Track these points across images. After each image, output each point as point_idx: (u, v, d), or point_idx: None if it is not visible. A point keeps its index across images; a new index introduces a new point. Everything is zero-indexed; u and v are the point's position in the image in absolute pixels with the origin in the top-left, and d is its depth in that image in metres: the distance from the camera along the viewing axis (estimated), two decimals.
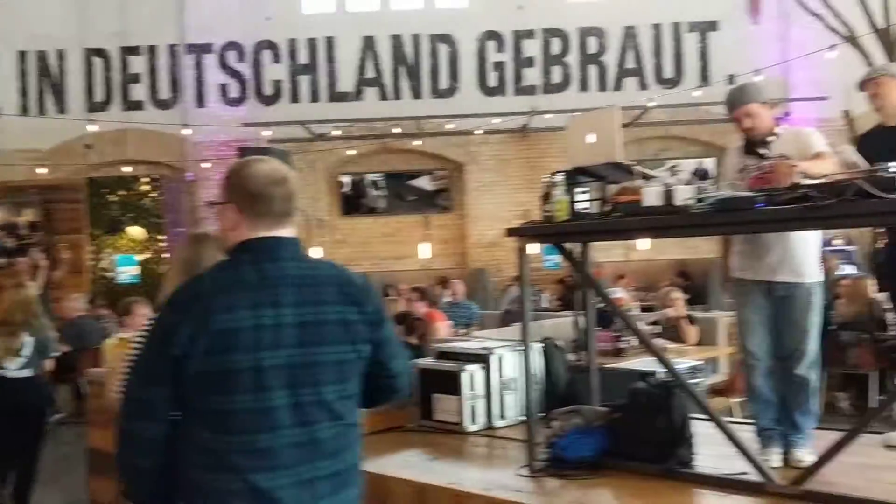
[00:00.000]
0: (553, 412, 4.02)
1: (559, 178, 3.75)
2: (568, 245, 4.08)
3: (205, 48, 14.59)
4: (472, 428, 4.52)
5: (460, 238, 14.74)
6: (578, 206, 3.74)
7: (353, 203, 14.89)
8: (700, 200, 3.25)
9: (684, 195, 3.30)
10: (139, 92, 14.42)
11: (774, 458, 3.70)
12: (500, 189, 14.46)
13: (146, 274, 12.69)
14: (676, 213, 3.32)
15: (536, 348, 4.64)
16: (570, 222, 3.72)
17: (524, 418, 4.60)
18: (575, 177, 3.77)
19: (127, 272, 12.64)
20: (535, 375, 4.67)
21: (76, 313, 8.74)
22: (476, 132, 13.81)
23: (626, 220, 3.55)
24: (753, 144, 3.84)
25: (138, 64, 14.47)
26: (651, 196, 3.41)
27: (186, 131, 13.38)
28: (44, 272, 10.14)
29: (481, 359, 4.63)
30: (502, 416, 4.63)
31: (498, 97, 14.27)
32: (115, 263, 12.70)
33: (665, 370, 3.82)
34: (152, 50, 14.50)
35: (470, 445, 4.38)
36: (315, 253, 13.93)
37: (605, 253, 14.05)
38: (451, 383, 4.57)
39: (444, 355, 4.88)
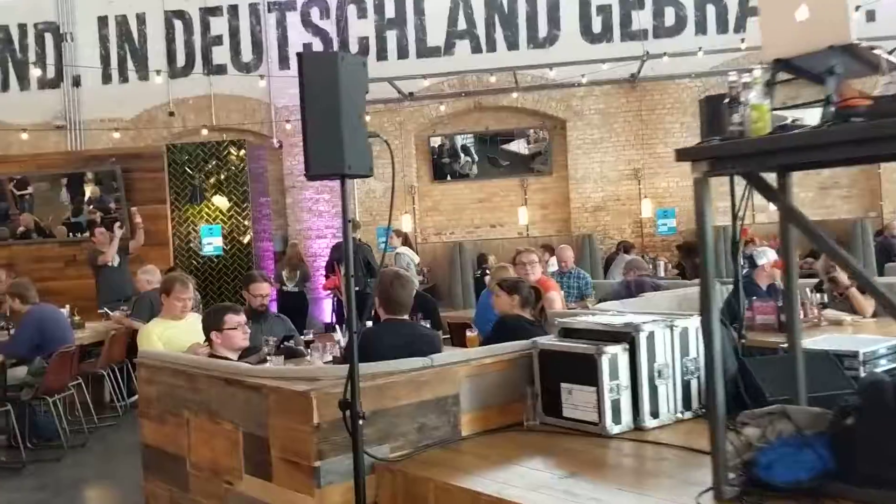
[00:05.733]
0: (743, 413, 2.82)
1: (756, 74, 2.55)
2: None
3: (287, 6, 13.77)
4: (616, 430, 3.38)
5: (563, 202, 13.50)
6: (783, 113, 2.54)
7: (445, 168, 13.83)
8: None
9: None
10: (221, 55, 13.74)
11: None
12: (606, 147, 13.14)
13: (230, 244, 11.97)
14: None
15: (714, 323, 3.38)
16: (774, 137, 2.52)
17: (682, 417, 3.49)
18: (779, 73, 2.57)
19: (211, 243, 11.93)
20: (696, 359, 3.52)
21: (150, 286, 7.98)
22: (579, 83, 12.49)
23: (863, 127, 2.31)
24: None
25: (219, 25, 13.78)
26: None
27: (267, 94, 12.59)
28: (116, 241, 9.53)
29: (624, 337, 3.47)
30: (654, 415, 3.47)
31: (603, 44, 12.91)
32: (199, 234, 11.99)
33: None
34: (234, 10, 13.78)
35: (616, 454, 3.24)
36: (405, 221, 13.00)
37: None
38: (585, 370, 3.44)
39: (570, 332, 3.75)
